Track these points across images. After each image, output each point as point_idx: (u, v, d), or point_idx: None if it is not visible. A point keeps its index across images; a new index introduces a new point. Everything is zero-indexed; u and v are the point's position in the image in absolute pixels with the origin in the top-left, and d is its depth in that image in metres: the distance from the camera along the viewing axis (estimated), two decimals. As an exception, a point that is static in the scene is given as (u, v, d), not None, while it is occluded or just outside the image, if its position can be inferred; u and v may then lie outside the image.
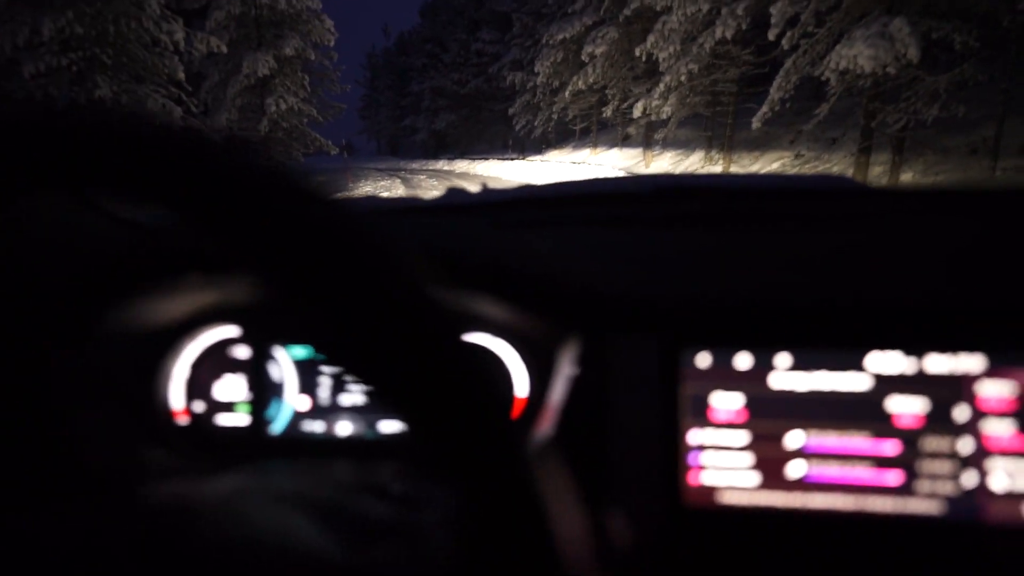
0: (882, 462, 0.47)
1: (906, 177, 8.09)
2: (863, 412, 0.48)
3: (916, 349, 0.47)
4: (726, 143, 12.97)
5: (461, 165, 27.02)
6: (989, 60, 6.94)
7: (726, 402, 0.50)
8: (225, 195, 0.22)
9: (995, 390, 0.46)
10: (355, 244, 0.23)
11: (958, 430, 0.46)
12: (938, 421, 0.47)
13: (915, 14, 7.06)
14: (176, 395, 0.66)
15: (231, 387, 0.67)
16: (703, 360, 0.50)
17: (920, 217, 0.55)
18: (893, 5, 7.36)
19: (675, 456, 0.49)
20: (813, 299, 0.49)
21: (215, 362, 0.67)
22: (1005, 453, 0.45)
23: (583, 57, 16.35)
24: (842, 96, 8.05)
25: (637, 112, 13.67)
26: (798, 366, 0.49)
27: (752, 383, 0.49)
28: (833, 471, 0.48)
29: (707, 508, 0.49)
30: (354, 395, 0.66)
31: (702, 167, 13.73)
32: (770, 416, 0.49)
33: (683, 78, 11.83)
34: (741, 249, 0.54)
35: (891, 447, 0.47)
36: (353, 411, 0.65)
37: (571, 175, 16.94)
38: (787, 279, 0.50)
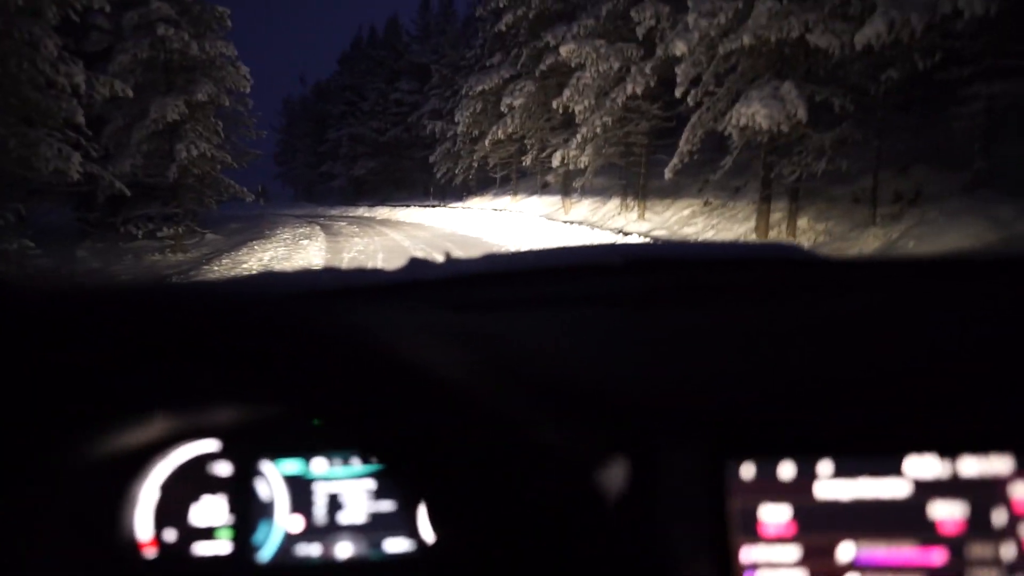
0: (933, 573, 0.45)
1: (802, 223, 8.80)
2: (908, 520, 0.46)
3: (951, 451, 0.46)
4: (640, 191, 13.64)
5: (382, 212, 26.76)
6: (863, 121, 7.79)
7: (775, 515, 0.46)
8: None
9: None
10: None
11: (999, 535, 0.45)
12: (979, 526, 0.45)
13: (800, 78, 7.84)
14: (143, 523, 0.58)
15: (210, 510, 0.59)
16: (747, 471, 0.47)
17: (913, 304, 0.53)
18: (781, 70, 8.14)
19: None
20: (851, 402, 0.47)
21: (191, 482, 0.58)
22: None
23: (502, 108, 16.85)
24: (743, 149, 8.72)
25: (556, 161, 14.18)
26: (840, 473, 0.46)
27: (798, 494, 0.47)
28: None
29: None
30: (355, 512, 0.58)
31: (619, 214, 14.33)
32: (819, 528, 0.46)
33: (598, 130, 12.43)
34: (745, 334, 0.51)
35: (938, 556, 0.45)
36: (354, 530, 0.58)
37: (493, 222, 17.15)
38: (817, 376, 0.48)
